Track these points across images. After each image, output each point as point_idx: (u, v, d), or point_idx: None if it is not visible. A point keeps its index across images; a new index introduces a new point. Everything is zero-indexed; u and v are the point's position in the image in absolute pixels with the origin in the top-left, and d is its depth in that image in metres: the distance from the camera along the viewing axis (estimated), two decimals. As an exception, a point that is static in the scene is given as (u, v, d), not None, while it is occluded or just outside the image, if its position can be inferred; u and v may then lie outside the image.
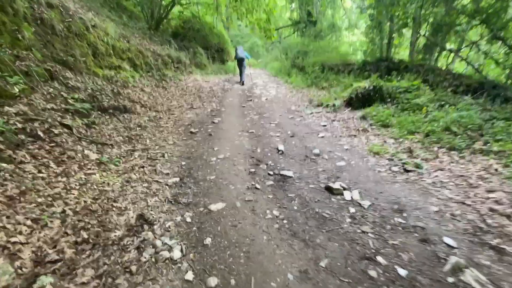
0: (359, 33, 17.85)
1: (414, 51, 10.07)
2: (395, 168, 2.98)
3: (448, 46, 8.40)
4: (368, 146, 3.71)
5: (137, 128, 4.49)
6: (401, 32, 9.75)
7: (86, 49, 5.52)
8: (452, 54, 8.94)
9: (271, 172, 2.91)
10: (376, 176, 2.80)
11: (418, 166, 3.00)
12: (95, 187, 2.52)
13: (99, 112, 4.44)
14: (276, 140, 3.94)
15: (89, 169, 2.87)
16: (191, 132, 4.36)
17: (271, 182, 2.71)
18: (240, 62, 9.49)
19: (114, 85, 5.82)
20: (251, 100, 7.12)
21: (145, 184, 2.65)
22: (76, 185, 2.50)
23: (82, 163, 2.92)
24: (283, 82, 10.10)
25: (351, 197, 2.42)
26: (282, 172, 2.89)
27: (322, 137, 4.13)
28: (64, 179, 2.53)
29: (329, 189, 2.55)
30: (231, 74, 12.89)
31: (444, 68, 7.58)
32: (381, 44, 10.46)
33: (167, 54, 9.59)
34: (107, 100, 4.83)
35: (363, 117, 4.94)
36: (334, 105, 5.90)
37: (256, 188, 2.60)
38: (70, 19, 5.27)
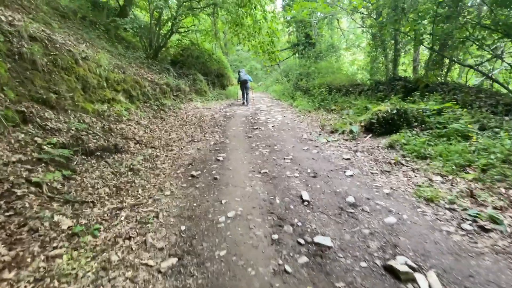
0: (358, 52, 17.67)
1: (418, 67, 9.59)
2: (466, 226, 2.20)
3: (459, 60, 7.86)
4: (412, 187, 2.94)
5: (129, 173, 3.75)
6: (408, 49, 9.32)
7: (74, 84, 4.92)
8: (466, 69, 8.42)
9: (301, 240, 2.12)
10: (449, 242, 2.00)
11: (495, 220, 2.22)
12: (56, 285, 1.73)
13: (84, 157, 3.73)
14: (296, 184, 3.18)
15: (56, 247, 2.08)
16: (192, 176, 3.61)
17: (305, 259, 1.91)
18: (244, 84, 9.90)
19: (106, 121, 5.16)
20: (257, 128, 6.44)
21: (129, 272, 1.85)
22: (28, 283, 1.71)
23: (48, 238, 2.14)
24: (288, 106, 9.51)
25: (429, 286, 1.62)
26: (316, 240, 2.10)
27: (351, 175, 3.37)
28: (12, 273, 1.74)
29: (391, 271, 1.76)
30: (232, 99, 12.39)
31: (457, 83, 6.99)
32: (386, 62, 10.02)
33: (166, 83, 9.09)
34: (94, 141, 4.14)
35: (391, 146, 4.21)
36: (351, 131, 5.20)
37: (286, 271, 1.81)
38: (56, 52, 4.72)
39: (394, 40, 9.28)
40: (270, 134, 5.83)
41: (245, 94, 10.11)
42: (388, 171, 3.47)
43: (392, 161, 3.73)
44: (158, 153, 4.78)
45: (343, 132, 5.45)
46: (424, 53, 11.67)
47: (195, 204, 2.79)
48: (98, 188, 3.13)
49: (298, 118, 7.39)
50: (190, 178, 3.56)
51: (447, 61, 7.37)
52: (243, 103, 10.27)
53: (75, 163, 3.46)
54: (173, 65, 11.86)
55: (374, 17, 10.26)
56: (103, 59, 6.33)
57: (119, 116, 5.77)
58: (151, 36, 10.74)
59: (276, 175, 3.48)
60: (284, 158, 4.10)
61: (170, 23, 11.23)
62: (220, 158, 4.26)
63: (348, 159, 3.99)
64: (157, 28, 10.92)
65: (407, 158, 3.75)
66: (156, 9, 9.86)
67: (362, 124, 5.43)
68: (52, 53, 4.63)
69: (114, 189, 3.22)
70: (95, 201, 2.83)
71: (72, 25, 7.88)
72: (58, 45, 4.91)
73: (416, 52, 10.78)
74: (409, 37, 8.83)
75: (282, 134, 5.77)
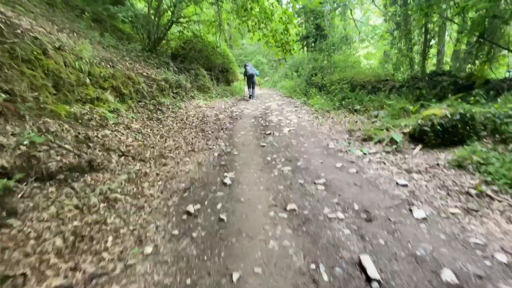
0: (371, 45, 16.28)
1: (442, 60, 8.28)
2: None
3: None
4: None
5: (101, 206, 2.64)
6: (441, 38, 8.01)
7: (41, 80, 3.80)
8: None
9: None
10: None
11: None
12: None
13: (37, 184, 2.63)
14: (346, 235, 2.04)
15: None
16: (188, 214, 2.48)
17: None
18: (250, 78, 9.74)
19: (83, 127, 4.05)
20: (270, 133, 5.28)
21: None
22: None
23: None
24: (301, 104, 8.30)
25: None
26: None
27: (424, 219, 2.21)
28: None
29: None
30: (238, 96, 11.21)
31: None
32: (411, 55, 8.72)
33: (164, 79, 7.93)
34: (58, 158, 3.02)
35: (459, 166, 3.03)
36: (393, 140, 4.02)
37: None
38: (15, 40, 3.59)
39: (424, 28, 7.97)
40: (288, 142, 4.66)
41: (251, 89, 9.97)
42: (476, 210, 2.30)
43: (473, 191, 2.56)
44: (148, 170, 3.66)
45: (379, 141, 4.26)
46: (449, 44, 10.32)
47: (188, 282, 1.66)
48: (45, 241, 2.03)
49: (317, 120, 6.20)
50: (185, 217, 2.44)
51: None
52: (250, 97, 10.10)
53: (19, 196, 2.36)
54: (173, 59, 10.69)
55: (399, 3, 8.93)
56: (86, 50, 5.19)
57: (103, 119, 4.66)
58: (149, 27, 9.56)
59: (310, 214, 2.34)
60: (315, 183, 2.95)
61: (169, 12, 10.04)
62: (227, 181, 3.12)
63: (405, 185, 2.82)
64: (156, 18, 9.73)
65: (493, 187, 2.58)
66: (153, -5, 8.64)
67: (405, 131, 4.24)
68: (8, 41, 3.50)
69: (71, 239, 2.11)
70: (27, 273, 1.73)
71: (60, 13, 6.74)
72: (19, 31, 3.78)
73: (441, 44, 9.45)
74: (446, 23, 7.53)
75: (302, 142, 4.60)
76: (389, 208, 2.40)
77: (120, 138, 4.47)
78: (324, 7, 12.55)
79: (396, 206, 2.42)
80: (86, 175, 3.13)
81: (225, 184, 3.07)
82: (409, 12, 8.56)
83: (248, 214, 2.41)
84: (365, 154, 3.89)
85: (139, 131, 5.20)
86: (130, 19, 8.36)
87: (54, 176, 2.80)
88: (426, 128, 3.68)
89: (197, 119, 6.75)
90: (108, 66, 5.82)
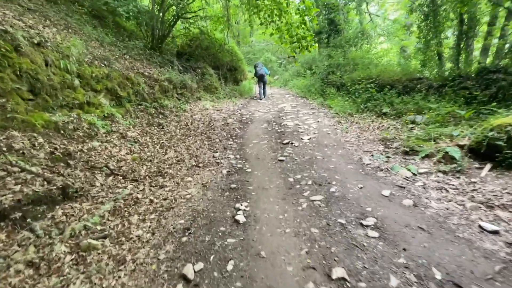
0: (388, 41, 15.15)
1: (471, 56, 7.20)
2: None
3: None
4: None
5: (65, 261, 1.87)
6: (478, 32, 6.96)
7: (10, 84, 3.07)
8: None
9: None
10: None
11: None
12: None
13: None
14: None
15: None
16: (186, 280, 1.67)
17: None
18: (261, 78, 9.51)
19: (65, 140, 3.31)
20: (287, 142, 4.43)
21: None
22: None
23: None
24: (318, 106, 7.41)
25: None
26: None
27: None
28: None
29: None
30: (248, 97, 10.37)
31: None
32: (440, 50, 7.68)
33: (167, 79, 7.16)
34: (16, 188, 2.27)
35: None
36: (449, 157, 3.11)
37: None
38: (-24, 33, 2.84)
39: (459, 20, 6.94)
40: (311, 154, 3.81)
41: (261, 89, 9.71)
42: None
43: None
44: (140, 194, 2.88)
45: (427, 156, 3.37)
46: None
47: None
48: None
49: (340, 126, 5.31)
50: (180, 287, 1.64)
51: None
52: (260, 98, 9.71)
53: None
54: (178, 57, 9.93)
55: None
56: (75, 47, 4.44)
57: (92, 128, 3.91)
58: (153, 23, 8.81)
59: (370, 289, 1.51)
60: (362, 224, 2.10)
61: (174, 7, 9.26)
62: (241, 218, 2.29)
63: (496, 232, 1.94)
64: (160, 14, 8.96)
65: None
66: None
67: (462, 143, 3.32)
68: (-34, 35, 2.77)
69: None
70: None
71: (57, 8, 6.03)
72: (-16, 23, 3.04)
73: (472, 38, 8.34)
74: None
75: (329, 156, 3.74)
76: (489, 279, 1.54)
77: (111, 151, 3.71)
78: (338, 0, 11.54)
79: (500, 275, 1.56)
80: (57, 207, 2.38)
81: (237, 222, 2.25)
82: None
83: (274, 284, 1.59)
84: (414, 174, 3.01)
85: (136, 140, 4.45)
86: (131, 13, 7.59)
87: (7, 215, 2.04)
88: (499, 143, 2.76)
89: (203, 123, 5.96)
90: (103, 65, 5.07)
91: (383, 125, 4.94)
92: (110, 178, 3.14)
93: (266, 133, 5.17)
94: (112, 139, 4.05)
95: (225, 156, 4.04)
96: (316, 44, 5.64)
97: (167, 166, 3.77)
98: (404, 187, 2.72)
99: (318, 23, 13.84)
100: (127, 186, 3.06)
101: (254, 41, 20.65)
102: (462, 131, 3.61)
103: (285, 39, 5.57)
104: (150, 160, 3.90)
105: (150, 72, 6.90)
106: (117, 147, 3.92)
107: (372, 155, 3.70)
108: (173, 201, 2.75)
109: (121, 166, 3.47)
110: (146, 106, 5.87)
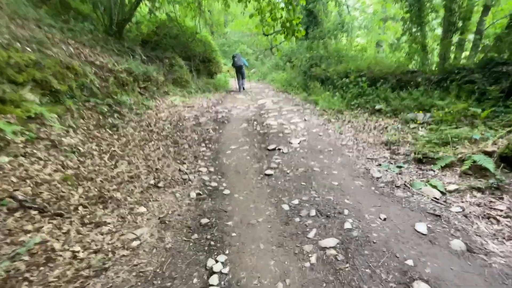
0: (364, 34, 14.81)
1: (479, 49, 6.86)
2: None
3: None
4: None
5: None
6: (468, 24, 6.55)
7: None
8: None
9: None
10: None
11: None
12: None
13: None
14: None
15: None
16: None
17: None
18: (239, 69, 9.01)
19: None
20: (274, 148, 3.55)
21: None
22: None
23: None
24: (302, 101, 6.61)
25: None
26: None
27: None
28: None
29: None
30: (223, 91, 9.32)
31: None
32: (424, 42, 7.25)
33: (126, 69, 5.89)
34: None
35: None
36: (479, 167, 2.45)
37: None
38: None
39: (447, 9, 6.48)
40: (305, 165, 2.96)
41: (240, 80, 9.19)
42: None
43: None
44: (59, 244, 1.83)
45: (447, 166, 2.69)
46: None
47: None
48: None
49: (331, 125, 4.54)
50: None
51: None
52: (240, 90, 9.23)
53: None
54: (143, 46, 8.56)
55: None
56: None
57: (1, 138, 2.71)
58: (110, 5, 7.36)
59: None
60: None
61: (135, -14, 7.85)
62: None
63: None
64: (119, -6, 7.55)
65: None
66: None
67: (488, 149, 2.68)
68: None
69: None
70: None
71: None
72: None
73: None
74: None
75: (328, 166, 2.92)
76: None
77: (27, 170, 2.56)
78: (318, -11, 10.80)
79: None
80: None
81: (210, 302, 1.33)
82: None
83: None
84: (443, 193, 2.29)
85: (75, 149, 3.28)
86: (77, -11, 6.15)
87: None
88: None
89: (170, 124, 4.87)
90: (29, 49, 3.78)
91: (380, 125, 4.26)
92: (16, 214, 2.04)
93: (247, 135, 4.24)
94: (35, 151, 2.87)
95: (195, 169, 3.06)
96: (304, 30, 4.78)
97: (115, 186, 2.72)
98: (440, 216, 1.97)
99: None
100: (42, 227, 1.99)
101: (229, 32, 19.39)
102: (482, 133, 2.99)
103: (267, 23, 4.63)
104: (91, 178, 2.80)
105: (103, 61, 5.59)
106: (41, 162, 2.76)
107: (380, 165, 2.95)
108: (110, 255, 1.75)
109: (41, 193, 2.35)
110: (97, 102, 4.61)
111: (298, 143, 3.70)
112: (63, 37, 5.28)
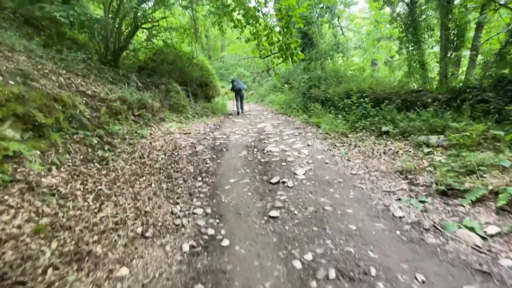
0: (358, 55, 15.00)
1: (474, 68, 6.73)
2: None
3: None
4: None
5: None
6: (463, 41, 6.47)
7: None
8: None
9: None
10: None
11: None
12: None
13: None
14: None
15: None
16: None
17: None
18: (238, 92, 9.27)
19: None
20: (278, 182, 3.20)
21: None
22: None
23: None
24: (303, 124, 6.35)
25: None
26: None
27: None
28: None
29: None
30: (221, 115, 9.11)
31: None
32: (422, 60, 7.15)
33: (120, 98, 5.68)
34: None
35: None
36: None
37: None
38: None
39: (443, 26, 6.43)
40: (315, 202, 2.60)
41: (239, 103, 9.40)
42: None
43: None
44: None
45: (478, 200, 2.33)
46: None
47: None
48: None
49: (337, 151, 4.22)
50: None
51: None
52: (238, 112, 9.42)
53: None
54: (139, 73, 8.47)
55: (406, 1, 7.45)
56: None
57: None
58: (106, 34, 7.32)
59: None
60: None
61: (132, 15, 7.89)
62: None
63: None
64: (116, 23, 7.55)
65: None
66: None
67: (523, 179, 2.34)
68: None
69: None
70: None
71: None
72: None
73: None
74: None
75: (341, 204, 2.56)
76: None
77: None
78: (312, 13, 10.99)
79: None
80: None
81: None
82: (419, 10, 7.08)
83: None
84: (483, 238, 1.91)
85: (55, 191, 2.90)
86: (72, 20, 6.08)
87: None
88: None
89: (164, 154, 4.54)
90: (12, 82, 3.54)
91: (390, 149, 3.94)
92: (-35, 288, 1.63)
93: (247, 165, 3.90)
94: (6, 197, 2.50)
95: (190, 212, 2.68)
96: (302, 54, 4.61)
97: (95, 237, 2.32)
98: (490, 274, 1.59)
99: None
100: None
101: (226, 56, 19.71)
102: (510, 159, 2.66)
103: (264, 47, 4.46)
104: (69, 227, 2.41)
105: (95, 90, 5.38)
106: (11, 211, 2.38)
107: (399, 199, 2.59)
108: None
109: (4, 253, 1.96)
110: (86, 135, 4.31)
111: (304, 174, 3.35)
112: (55, 67, 5.10)
